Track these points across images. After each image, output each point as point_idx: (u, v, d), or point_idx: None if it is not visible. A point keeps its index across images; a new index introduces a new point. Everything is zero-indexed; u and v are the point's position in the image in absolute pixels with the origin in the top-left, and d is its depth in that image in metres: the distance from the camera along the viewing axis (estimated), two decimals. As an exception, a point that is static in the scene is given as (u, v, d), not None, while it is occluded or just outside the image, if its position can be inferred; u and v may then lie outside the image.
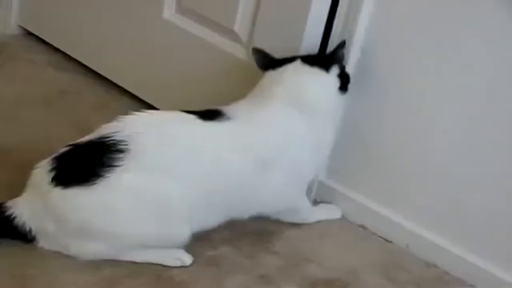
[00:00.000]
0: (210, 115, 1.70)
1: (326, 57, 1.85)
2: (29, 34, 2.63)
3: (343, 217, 1.99)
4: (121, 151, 1.58)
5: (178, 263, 1.70)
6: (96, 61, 2.43)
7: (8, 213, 1.63)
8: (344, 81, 1.85)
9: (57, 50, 2.54)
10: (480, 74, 1.74)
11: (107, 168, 1.57)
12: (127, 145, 1.58)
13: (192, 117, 1.68)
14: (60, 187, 1.59)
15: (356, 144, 1.95)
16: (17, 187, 1.69)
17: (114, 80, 2.38)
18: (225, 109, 1.72)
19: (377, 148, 1.94)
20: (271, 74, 1.81)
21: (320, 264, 1.82)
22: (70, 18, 2.46)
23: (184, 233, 1.67)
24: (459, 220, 1.84)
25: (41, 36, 2.59)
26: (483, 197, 1.80)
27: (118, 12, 2.31)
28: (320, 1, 1.88)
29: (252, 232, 1.86)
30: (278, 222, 1.92)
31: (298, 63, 1.81)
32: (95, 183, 1.58)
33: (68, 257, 1.64)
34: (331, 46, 1.89)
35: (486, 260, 1.81)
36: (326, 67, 1.82)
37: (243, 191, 1.71)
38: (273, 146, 1.74)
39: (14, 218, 1.62)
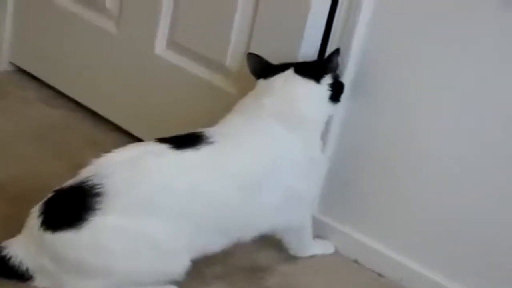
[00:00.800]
0: (188, 140, 1.67)
1: (319, 66, 1.81)
2: (21, 70, 2.62)
3: (337, 252, 1.97)
4: (99, 194, 1.58)
5: None
6: (87, 96, 2.43)
7: (3, 253, 1.63)
8: (337, 91, 1.81)
9: (48, 86, 2.54)
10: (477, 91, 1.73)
11: (90, 212, 1.58)
12: (102, 187, 1.58)
13: (164, 147, 1.65)
14: (49, 231, 1.60)
15: (348, 179, 1.95)
16: (10, 221, 1.70)
17: (106, 116, 2.37)
18: (208, 131, 1.69)
19: (368, 182, 1.93)
20: (262, 84, 1.78)
21: None
22: (61, 55, 2.46)
23: (182, 262, 1.65)
24: (453, 254, 1.83)
25: (32, 73, 2.58)
26: (476, 229, 1.79)
27: (110, 48, 2.31)
28: (313, 35, 1.88)
29: (245, 268, 1.85)
30: (271, 257, 1.90)
31: (290, 74, 1.77)
32: (81, 227, 1.59)
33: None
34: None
35: None
36: (318, 77, 1.78)
37: (236, 217, 1.69)
38: (259, 171, 1.70)
39: (10, 258, 1.63)
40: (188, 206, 1.62)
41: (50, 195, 1.64)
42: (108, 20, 2.32)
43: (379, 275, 1.94)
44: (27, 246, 1.64)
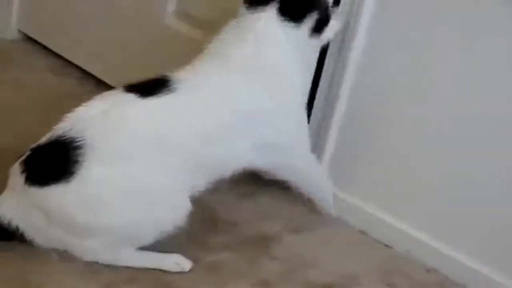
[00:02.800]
0: (154, 87, 1.67)
1: (305, 3, 1.74)
2: (29, 38, 2.64)
3: (344, 222, 1.99)
4: (79, 147, 1.59)
5: (177, 268, 1.70)
6: (96, 66, 2.45)
7: None
8: (320, 24, 1.75)
9: (57, 55, 2.55)
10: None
11: (74, 164, 1.60)
12: (82, 140, 1.60)
13: (132, 96, 1.66)
14: (35, 187, 1.61)
15: (356, 148, 1.95)
16: None
17: (114, 85, 2.29)
18: (174, 77, 1.69)
19: (378, 153, 1.93)
20: (241, 18, 1.73)
21: (320, 269, 1.83)
22: (69, 24, 2.48)
23: (178, 204, 1.68)
24: (460, 225, 1.85)
25: (40, 41, 2.60)
26: (484, 202, 1.80)
27: (118, 17, 2.33)
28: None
29: (252, 237, 1.87)
30: (277, 227, 1.93)
31: (272, 14, 1.70)
32: (69, 180, 1.60)
33: (69, 261, 1.66)
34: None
35: (486, 265, 1.81)
36: (301, 17, 1.72)
37: (208, 160, 1.70)
38: (215, 126, 1.70)
39: None
40: (160, 151, 1.63)
41: (29, 152, 1.65)
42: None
43: (386, 246, 1.96)
44: (14, 205, 1.66)
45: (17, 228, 1.64)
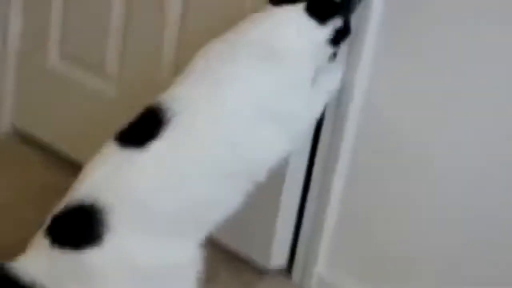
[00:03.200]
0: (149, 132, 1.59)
1: (331, 5, 1.71)
2: (22, 132, 2.65)
3: None
4: (101, 212, 1.56)
5: None
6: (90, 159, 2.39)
7: (13, 273, 1.61)
8: (338, 35, 1.73)
9: (50, 148, 2.55)
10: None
11: (100, 229, 1.56)
12: (100, 204, 1.56)
13: (129, 152, 1.60)
14: (63, 250, 1.58)
15: (356, 234, 1.93)
16: None
17: None
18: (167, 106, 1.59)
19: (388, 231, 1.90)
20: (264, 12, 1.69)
21: None
22: (62, 117, 2.49)
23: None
24: None
25: (34, 134, 2.60)
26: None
27: (110, 111, 2.32)
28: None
29: None
30: None
31: (299, 8, 1.67)
32: (99, 245, 1.57)
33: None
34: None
35: None
36: (325, 19, 1.69)
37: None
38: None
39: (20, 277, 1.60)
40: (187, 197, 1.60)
41: (50, 220, 1.62)
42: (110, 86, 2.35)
43: None
44: (38, 266, 1.62)
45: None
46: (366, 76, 1.82)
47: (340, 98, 1.84)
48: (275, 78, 1.65)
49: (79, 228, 1.61)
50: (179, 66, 1.70)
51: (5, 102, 2.64)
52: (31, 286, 1.61)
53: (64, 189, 2.28)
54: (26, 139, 2.63)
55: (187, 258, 1.65)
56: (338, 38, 1.71)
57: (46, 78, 2.51)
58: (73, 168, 2.36)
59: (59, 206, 1.63)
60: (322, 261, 2.00)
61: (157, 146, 1.59)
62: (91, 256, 1.59)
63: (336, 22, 1.69)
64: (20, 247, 1.88)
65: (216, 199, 1.64)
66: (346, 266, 1.97)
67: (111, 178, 1.61)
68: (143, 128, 1.62)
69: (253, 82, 1.64)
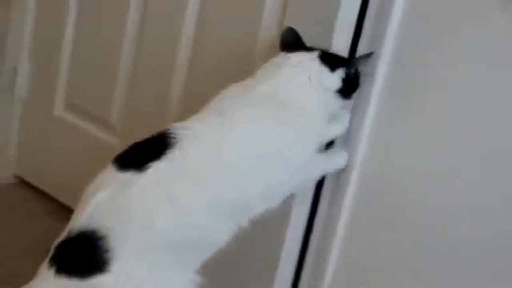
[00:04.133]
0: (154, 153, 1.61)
1: (340, 57, 1.79)
2: (25, 183, 2.67)
3: None
4: (104, 237, 1.57)
5: None
6: None
7: None
8: (349, 86, 1.78)
9: (53, 198, 2.57)
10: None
11: (107, 254, 1.57)
12: (104, 231, 1.57)
13: (129, 175, 1.61)
14: (72, 279, 1.58)
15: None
16: None
17: None
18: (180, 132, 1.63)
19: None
20: (277, 58, 1.76)
21: None
22: (65, 167, 2.50)
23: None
24: None
25: (36, 185, 2.62)
26: None
27: None
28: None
29: None
30: None
31: (313, 57, 1.74)
32: (106, 270, 1.57)
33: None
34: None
35: None
36: (335, 67, 1.75)
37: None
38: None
39: None
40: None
41: (55, 248, 1.63)
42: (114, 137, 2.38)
43: None
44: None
45: None
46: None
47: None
48: (284, 129, 1.69)
49: (84, 255, 1.61)
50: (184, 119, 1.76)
51: (9, 151, 2.68)
52: None
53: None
54: (28, 188, 2.65)
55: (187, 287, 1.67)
56: (346, 87, 1.76)
57: (51, 126, 2.54)
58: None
59: (63, 234, 1.64)
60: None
61: (157, 167, 1.60)
62: (97, 283, 1.59)
63: (345, 73, 1.75)
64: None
65: (210, 230, 1.66)
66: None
67: (112, 201, 1.62)
68: (145, 150, 1.64)
69: (260, 129, 1.68)
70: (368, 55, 1.80)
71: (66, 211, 2.35)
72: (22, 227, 2.44)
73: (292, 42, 1.80)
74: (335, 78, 1.76)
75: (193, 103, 1.74)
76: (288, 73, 1.74)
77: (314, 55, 1.76)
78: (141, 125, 2.28)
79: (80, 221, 1.63)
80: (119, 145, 2.30)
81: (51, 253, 1.64)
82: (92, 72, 2.41)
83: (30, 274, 2.09)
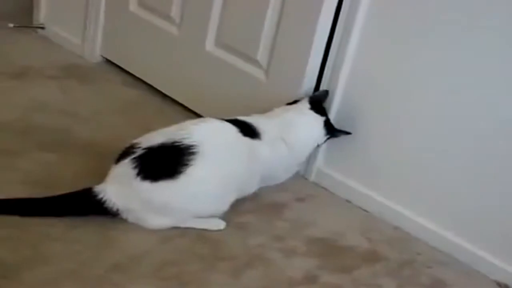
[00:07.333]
0: (247, 130, 1.96)
1: (322, 107, 2.14)
2: (109, 61, 2.87)
3: (334, 194, 2.28)
4: (192, 153, 1.81)
5: (215, 228, 1.97)
6: (158, 81, 2.70)
7: (99, 197, 1.82)
8: (327, 126, 2.14)
9: (129, 73, 2.79)
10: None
11: (184, 166, 1.79)
12: (195, 148, 1.82)
13: (235, 129, 1.94)
14: (148, 180, 1.80)
15: (348, 137, 2.21)
16: (99, 171, 1.91)
17: (170, 95, 2.67)
18: (258, 129, 2.00)
19: (364, 141, 2.20)
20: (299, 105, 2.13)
21: (317, 227, 2.11)
22: (138, 50, 2.73)
23: (231, 201, 1.96)
24: (416, 192, 2.14)
25: (117, 63, 2.83)
26: (440, 170, 2.06)
27: (173, 46, 2.62)
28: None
29: (268, 204, 2.16)
30: (287, 198, 2.20)
31: (306, 103, 2.12)
32: (178, 177, 1.81)
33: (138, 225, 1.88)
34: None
35: (435, 222, 2.11)
36: (320, 112, 2.13)
37: (246, 178, 2.03)
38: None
39: (104, 201, 1.82)
40: (247, 165, 1.98)
41: (141, 151, 1.81)
42: (172, 25, 2.62)
43: (364, 210, 2.26)
44: (119, 192, 1.81)
45: (116, 209, 1.83)
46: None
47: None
48: (282, 157, 2.08)
49: (164, 163, 1.80)
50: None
51: (97, 39, 2.87)
52: (111, 210, 1.82)
53: (138, 102, 2.53)
54: (111, 66, 2.86)
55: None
56: (327, 127, 2.16)
57: (128, 19, 2.72)
58: (145, 87, 2.75)
59: (154, 140, 1.83)
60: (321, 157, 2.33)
61: (245, 141, 1.99)
62: (163, 187, 1.79)
63: (325, 118, 2.15)
64: (102, 143, 2.22)
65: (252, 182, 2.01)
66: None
67: (211, 134, 1.89)
68: (244, 128, 2.03)
69: (268, 153, 2.04)
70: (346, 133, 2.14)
71: (138, 82, 2.76)
72: (106, 92, 2.67)
73: (318, 100, 2.14)
74: (322, 118, 2.15)
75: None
76: (290, 123, 2.11)
77: (306, 102, 2.13)
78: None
79: (176, 135, 1.84)
80: (177, 33, 2.51)
81: (137, 154, 1.80)
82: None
83: (109, 124, 2.34)
